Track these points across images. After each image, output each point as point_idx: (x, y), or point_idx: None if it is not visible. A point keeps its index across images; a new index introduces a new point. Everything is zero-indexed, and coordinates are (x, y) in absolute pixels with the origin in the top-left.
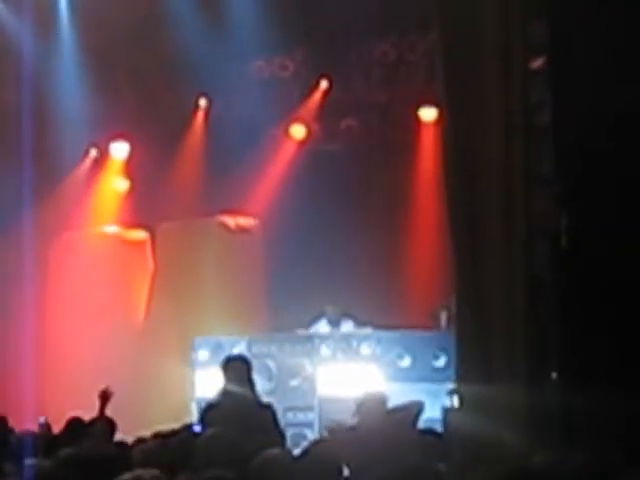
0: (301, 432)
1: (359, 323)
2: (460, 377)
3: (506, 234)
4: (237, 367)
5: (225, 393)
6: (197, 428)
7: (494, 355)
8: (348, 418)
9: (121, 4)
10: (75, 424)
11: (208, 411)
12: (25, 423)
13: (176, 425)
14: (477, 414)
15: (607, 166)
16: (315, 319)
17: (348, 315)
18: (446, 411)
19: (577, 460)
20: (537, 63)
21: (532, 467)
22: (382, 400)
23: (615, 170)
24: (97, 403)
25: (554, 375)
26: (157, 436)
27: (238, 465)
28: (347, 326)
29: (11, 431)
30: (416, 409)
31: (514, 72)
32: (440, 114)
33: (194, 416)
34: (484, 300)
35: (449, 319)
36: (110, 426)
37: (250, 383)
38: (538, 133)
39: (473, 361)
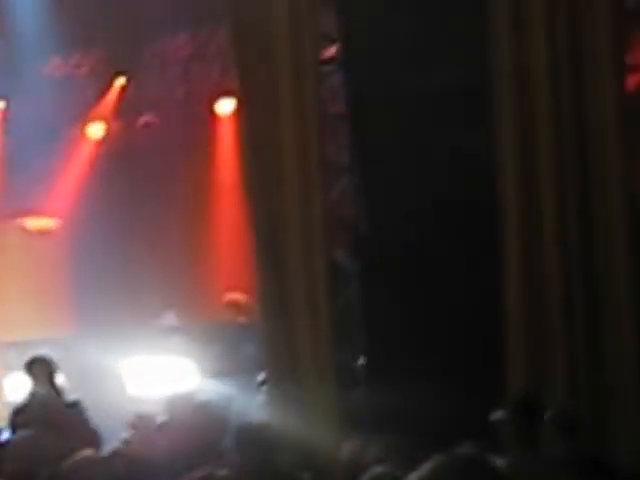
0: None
1: (182, 314)
2: (267, 370)
3: (306, 225)
4: (41, 368)
5: (31, 395)
6: (5, 434)
7: (300, 347)
8: (158, 415)
9: None
10: None
11: (16, 415)
12: None
13: None
14: (286, 407)
15: (400, 153)
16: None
17: (170, 307)
18: (253, 404)
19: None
20: (329, 52)
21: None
22: (190, 396)
23: (410, 156)
24: None
25: (361, 364)
26: None
27: (47, 467)
28: (170, 316)
29: None
30: (224, 403)
31: (307, 61)
32: (237, 108)
33: (3, 421)
34: (286, 291)
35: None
36: None
37: (53, 383)
38: (333, 122)
39: (278, 354)
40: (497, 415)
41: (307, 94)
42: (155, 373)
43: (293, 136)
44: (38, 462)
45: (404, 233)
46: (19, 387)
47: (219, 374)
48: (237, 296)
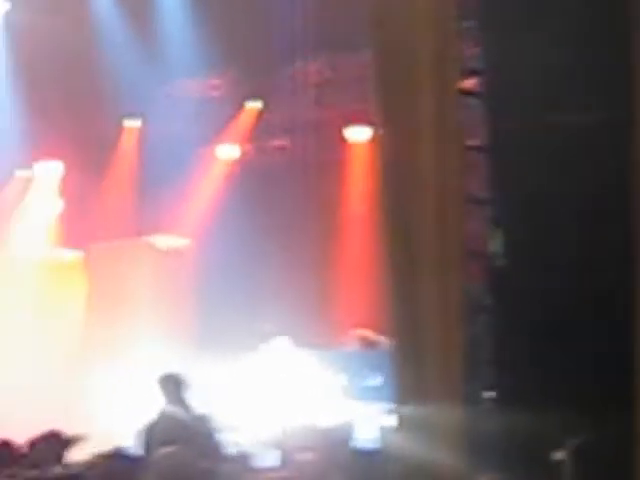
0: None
1: (295, 342)
2: (396, 397)
3: (441, 256)
4: (171, 384)
5: (162, 411)
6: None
7: (429, 377)
8: (278, 438)
9: (53, 25)
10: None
11: (148, 432)
12: None
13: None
14: (414, 434)
15: (541, 187)
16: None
17: (282, 334)
18: (383, 431)
19: None
20: (470, 83)
21: None
22: (313, 421)
23: (549, 190)
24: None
25: (490, 396)
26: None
27: None
28: (283, 342)
29: None
30: (347, 431)
31: (448, 91)
32: (374, 134)
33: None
34: (418, 321)
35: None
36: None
37: (182, 399)
38: (472, 154)
39: (408, 383)
40: None
41: (448, 124)
42: (276, 395)
43: (432, 166)
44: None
45: (543, 269)
46: (147, 404)
47: (345, 398)
48: (367, 332)
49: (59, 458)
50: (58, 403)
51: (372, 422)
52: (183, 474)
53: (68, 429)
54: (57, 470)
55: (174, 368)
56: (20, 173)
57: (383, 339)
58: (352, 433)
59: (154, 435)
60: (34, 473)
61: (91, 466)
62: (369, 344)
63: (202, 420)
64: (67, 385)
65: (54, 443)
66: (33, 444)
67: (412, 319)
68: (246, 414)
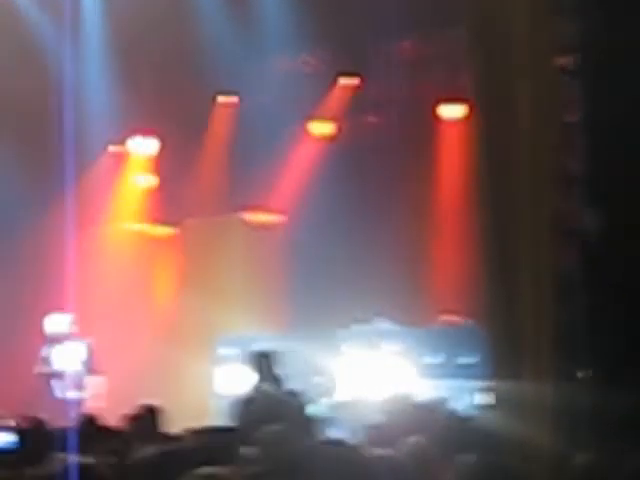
0: (323, 431)
1: (390, 320)
2: (491, 375)
3: (534, 233)
4: (264, 361)
5: (256, 388)
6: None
7: (523, 355)
8: (372, 416)
9: (148, 1)
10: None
11: (243, 407)
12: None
13: (198, 422)
14: (508, 412)
15: (638, 164)
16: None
17: (379, 314)
18: (476, 409)
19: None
20: (567, 60)
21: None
22: (408, 398)
23: None
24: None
25: (582, 374)
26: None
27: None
28: (380, 324)
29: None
30: (441, 405)
31: (544, 68)
32: (464, 111)
33: (214, 412)
34: (513, 298)
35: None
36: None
37: (275, 376)
38: (568, 131)
39: (502, 361)
40: None
41: (544, 101)
42: (372, 374)
43: (528, 143)
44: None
45: (637, 246)
46: (234, 381)
47: (435, 377)
48: (453, 317)
49: (154, 433)
50: (148, 380)
51: (467, 400)
52: (291, 453)
53: (161, 400)
54: (154, 447)
55: (266, 345)
56: (114, 149)
57: (469, 323)
58: (446, 407)
59: (250, 411)
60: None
61: (190, 440)
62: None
63: (294, 396)
64: (158, 361)
65: (149, 418)
66: (129, 419)
67: (506, 298)
68: (342, 392)
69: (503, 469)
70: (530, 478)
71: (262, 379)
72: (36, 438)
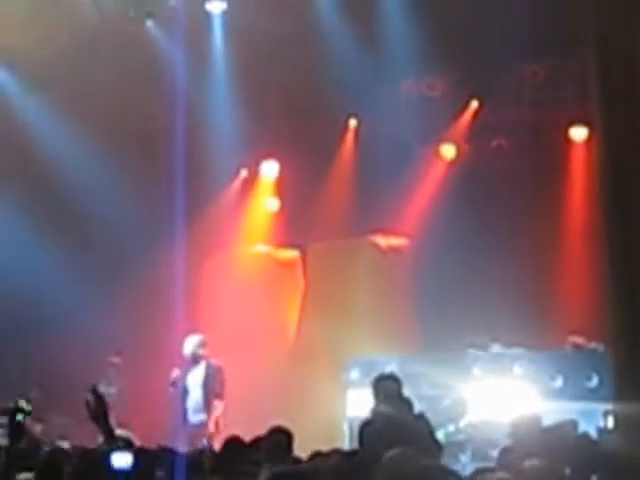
0: (454, 454)
1: (508, 345)
2: (615, 398)
3: None
4: (388, 385)
5: (376, 411)
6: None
7: None
8: (501, 439)
9: (273, 24)
10: (233, 443)
11: (364, 429)
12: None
13: (328, 445)
14: (633, 436)
15: None
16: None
17: (495, 339)
18: (601, 431)
19: None
20: None
21: None
22: (537, 420)
23: None
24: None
25: None
26: (315, 456)
27: None
28: (496, 349)
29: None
30: (571, 427)
31: None
32: (592, 134)
33: (346, 436)
34: (637, 324)
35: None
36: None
37: (402, 399)
38: None
39: (628, 383)
40: None
41: None
42: (500, 397)
43: None
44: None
45: None
46: (362, 403)
47: (564, 400)
48: (579, 339)
49: (285, 456)
50: (272, 398)
51: (589, 423)
52: (410, 475)
53: (291, 424)
54: (290, 466)
55: (392, 368)
56: (245, 173)
57: (594, 345)
58: (577, 430)
59: (368, 434)
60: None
61: (320, 462)
62: (581, 350)
63: (422, 420)
64: (280, 383)
65: (279, 440)
66: (259, 441)
67: (631, 322)
68: (471, 416)
69: None
70: None
71: (383, 401)
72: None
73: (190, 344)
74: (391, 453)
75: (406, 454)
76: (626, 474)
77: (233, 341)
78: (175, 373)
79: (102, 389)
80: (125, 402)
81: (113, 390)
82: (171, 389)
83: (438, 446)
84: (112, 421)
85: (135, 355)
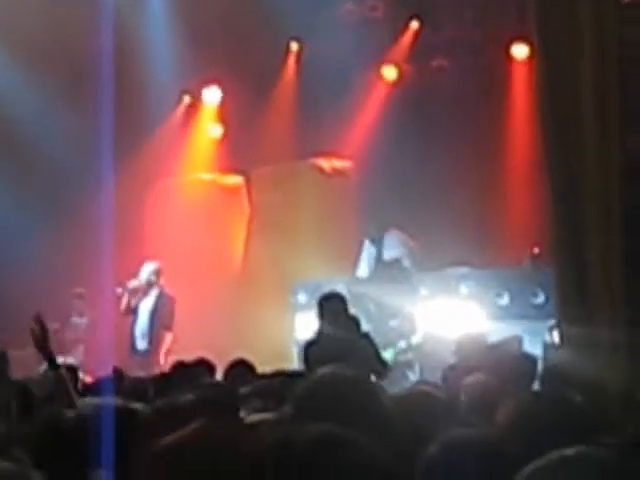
0: (402, 372)
1: (456, 264)
2: (560, 315)
3: (602, 172)
4: (333, 304)
5: (321, 330)
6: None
7: (593, 294)
8: (448, 357)
9: None
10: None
11: (307, 349)
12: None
13: (276, 367)
14: (578, 351)
15: None
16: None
17: (390, 226)
18: (547, 347)
19: None
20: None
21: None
22: (482, 338)
23: None
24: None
25: None
26: (259, 378)
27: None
28: (393, 235)
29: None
30: (516, 343)
31: (608, 4)
32: (532, 51)
33: (294, 359)
34: (583, 239)
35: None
36: (210, 369)
37: (348, 317)
38: (633, 67)
39: (571, 300)
40: None
41: (608, 38)
42: (446, 316)
43: (591, 81)
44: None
45: None
46: (310, 327)
47: (507, 319)
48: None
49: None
50: (219, 324)
51: (535, 339)
52: (343, 392)
53: (238, 348)
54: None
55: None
56: (188, 100)
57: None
58: (522, 346)
59: (313, 354)
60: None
61: (255, 385)
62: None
63: (367, 339)
64: (228, 308)
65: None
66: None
67: (574, 238)
68: (419, 335)
69: (565, 400)
70: (595, 411)
71: (329, 321)
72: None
73: (145, 271)
74: (320, 370)
75: (334, 371)
76: (569, 386)
77: (179, 269)
78: (119, 291)
79: (74, 321)
80: (96, 332)
81: (84, 320)
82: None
83: (384, 364)
84: (80, 350)
85: (83, 286)
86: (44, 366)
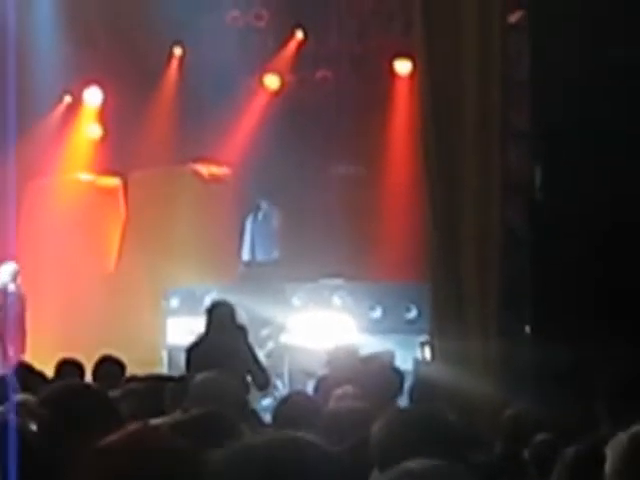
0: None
1: (329, 275)
2: (433, 330)
3: (482, 189)
4: (221, 312)
5: (204, 336)
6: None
7: (468, 309)
8: (318, 368)
9: None
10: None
11: (189, 353)
12: None
13: (146, 371)
14: (450, 366)
15: (582, 121)
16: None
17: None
18: (417, 362)
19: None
20: (515, 17)
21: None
22: (354, 350)
23: (590, 126)
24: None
25: (527, 329)
26: (130, 380)
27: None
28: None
29: None
30: (388, 357)
31: (492, 24)
32: (416, 66)
33: (164, 362)
34: (458, 254)
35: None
36: (79, 369)
37: (237, 327)
38: (515, 87)
39: (446, 315)
40: None
41: (492, 57)
42: (318, 327)
43: (475, 99)
44: (225, 404)
45: (581, 203)
46: (182, 332)
47: (379, 332)
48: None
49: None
50: (90, 326)
51: (406, 354)
52: (218, 401)
53: (109, 350)
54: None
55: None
56: (69, 100)
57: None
58: (394, 359)
59: (193, 359)
60: None
61: (127, 388)
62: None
63: (249, 347)
64: (99, 312)
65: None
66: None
67: (451, 251)
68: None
69: (434, 416)
70: (464, 426)
71: (217, 329)
72: None
73: (3, 272)
74: (201, 375)
75: (214, 377)
76: (439, 400)
77: (51, 269)
78: None
79: None
80: None
81: None
82: None
83: (263, 371)
84: None
85: None
86: None
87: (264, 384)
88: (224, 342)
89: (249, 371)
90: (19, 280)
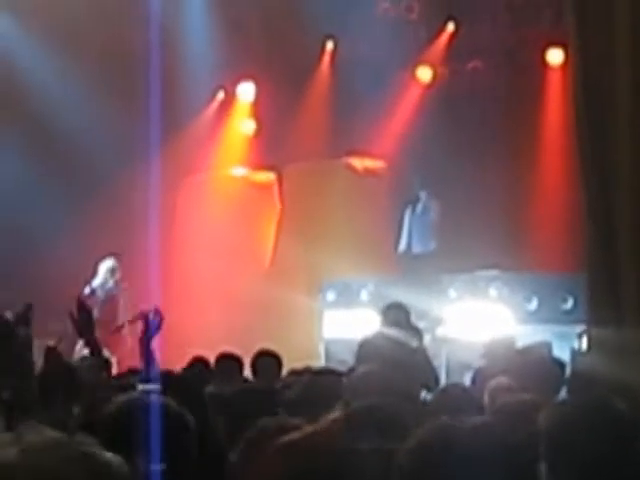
0: None
1: (485, 267)
2: (590, 320)
3: (636, 178)
4: (396, 313)
5: (379, 333)
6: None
7: (624, 299)
8: (475, 360)
9: None
10: (199, 363)
11: (361, 348)
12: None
13: (304, 364)
14: (607, 357)
15: None
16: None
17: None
18: (574, 353)
19: None
20: None
21: None
22: (511, 342)
23: None
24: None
25: None
26: (291, 374)
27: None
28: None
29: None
30: (546, 349)
31: None
32: (568, 56)
33: (321, 355)
34: (615, 245)
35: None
36: (238, 363)
37: (411, 328)
38: None
39: (603, 305)
40: None
41: None
42: (475, 319)
43: (628, 87)
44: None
45: None
46: (338, 325)
47: (535, 323)
48: None
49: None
50: (248, 321)
51: (563, 345)
52: (373, 394)
53: (267, 343)
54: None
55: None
56: (222, 96)
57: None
58: (551, 351)
59: (366, 352)
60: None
61: (293, 381)
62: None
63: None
64: (257, 304)
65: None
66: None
67: (607, 241)
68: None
69: (596, 407)
70: (626, 416)
71: (389, 326)
72: None
73: (102, 269)
74: (362, 369)
75: (375, 371)
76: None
77: (208, 264)
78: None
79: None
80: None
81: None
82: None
83: (435, 376)
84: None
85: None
86: (81, 352)
87: (432, 387)
88: (397, 339)
89: (419, 372)
90: (118, 276)
